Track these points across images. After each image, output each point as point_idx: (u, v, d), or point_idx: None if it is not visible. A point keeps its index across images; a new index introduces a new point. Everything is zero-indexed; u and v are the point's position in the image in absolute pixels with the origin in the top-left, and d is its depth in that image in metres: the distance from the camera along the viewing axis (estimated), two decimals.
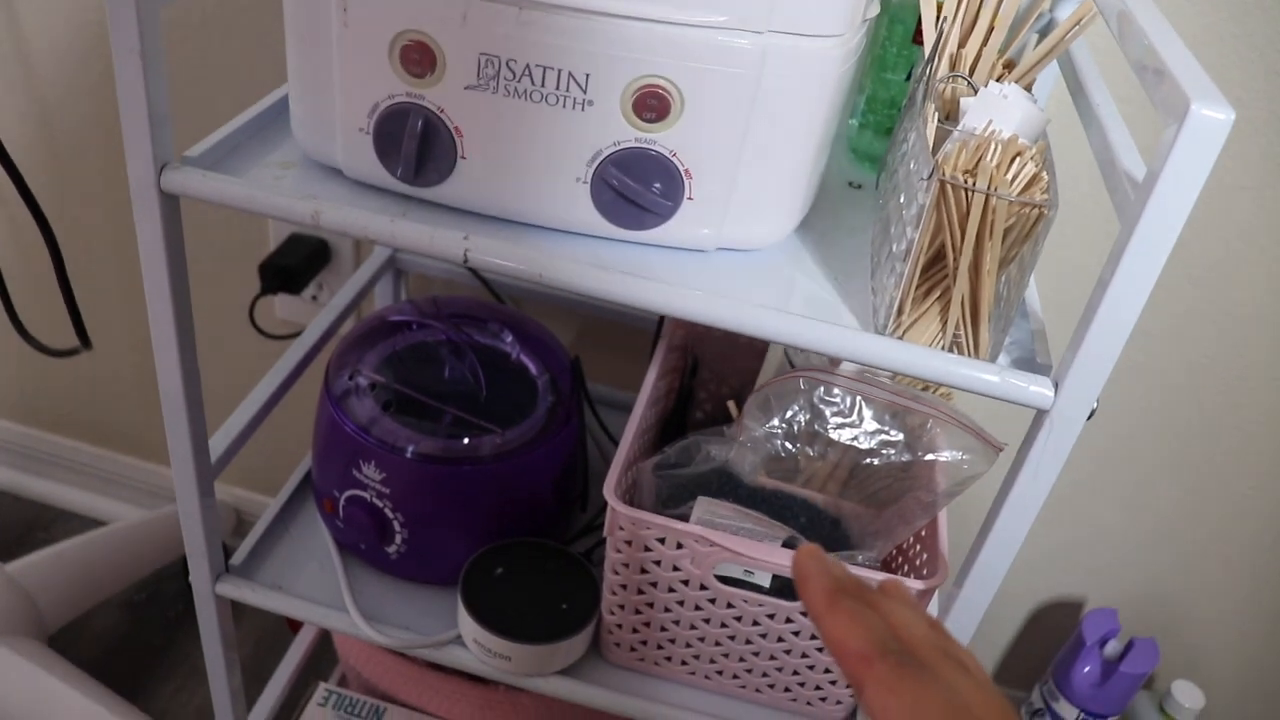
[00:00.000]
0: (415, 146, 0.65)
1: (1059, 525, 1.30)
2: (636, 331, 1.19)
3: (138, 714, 1.27)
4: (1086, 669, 1.28)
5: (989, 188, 0.58)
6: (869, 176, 0.83)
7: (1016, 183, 0.60)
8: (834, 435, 0.79)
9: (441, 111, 0.64)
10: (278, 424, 1.04)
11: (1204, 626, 1.36)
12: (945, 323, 0.63)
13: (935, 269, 0.63)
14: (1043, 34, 0.80)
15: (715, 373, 1.04)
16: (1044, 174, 0.61)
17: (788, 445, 0.78)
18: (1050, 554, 1.34)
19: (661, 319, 0.99)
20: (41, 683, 1.24)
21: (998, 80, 0.70)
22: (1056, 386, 0.62)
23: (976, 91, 0.68)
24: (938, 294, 0.63)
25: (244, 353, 1.37)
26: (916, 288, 0.63)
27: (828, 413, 0.78)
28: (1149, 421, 1.19)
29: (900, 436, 0.80)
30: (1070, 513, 1.29)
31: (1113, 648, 1.28)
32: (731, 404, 0.88)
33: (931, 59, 0.70)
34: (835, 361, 0.85)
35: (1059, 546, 1.33)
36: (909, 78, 0.81)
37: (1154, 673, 1.38)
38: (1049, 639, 1.40)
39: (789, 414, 0.78)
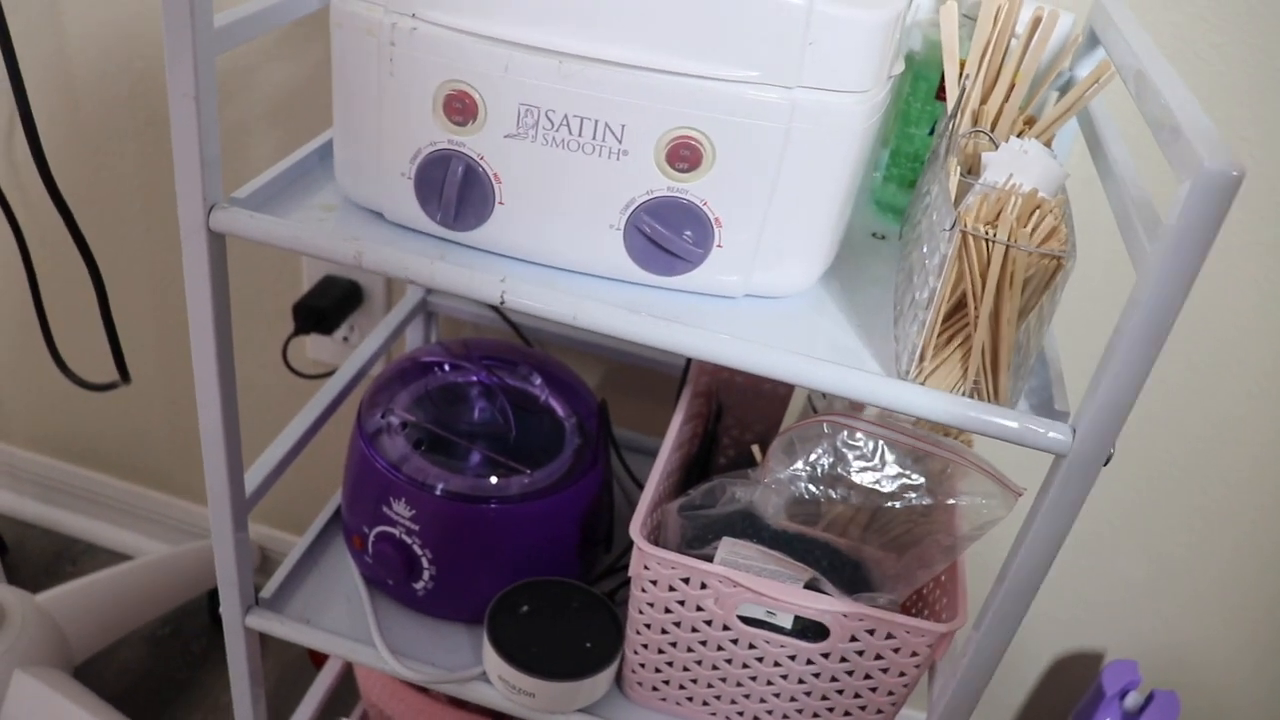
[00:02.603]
0: (455, 192, 0.68)
1: (1079, 576, 1.31)
2: (661, 377, 1.21)
3: None
4: None
5: (1009, 239, 0.60)
6: (892, 228, 0.85)
7: (1036, 234, 0.62)
8: (856, 479, 0.80)
9: (482, 159, 0.67)
10: (305, 464, 1.06)
11: (1226, 678, 1.36)
12: (966, 369, 0.65)
13: (956, 317, 0.65)
14: (1062, 91, 0.82)
15: (739, 419, 1.06)
16: (1063, 226, 0.63)
17: (811, 488, 0.80)
18: (1070, 605, 1.34)
19: (688, 365, 1.01)
20: (67, 713, 1.25)
21: (1018, 135, 0.72)
22: (1074, 432, 0.63)
23: (998, 146, 0.70)
24: (959, 341, 0.65)
25: (276, 390, 1.40)
26: (938, 335, 0.65)
27: (850, 456, 0.80)
28: (1169, 472, 1.20)
29: (921, 480, 0.81)
30: (1090, 563, 1.30)
31: (1133, 700, 1.28)
32: (756, 448, 0.90)
33: (954, 114, 0.72)
34: (858, 407, 0.86)
35: (1079, 598, 1.33)
36: (932, 132, 0.83)
37: None
38: (1068, 691, 1.40)
39: (812, 457, 0.79)
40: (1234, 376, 1.12)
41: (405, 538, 0.91)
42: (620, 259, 0.68)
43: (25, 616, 1.30)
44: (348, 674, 1.37)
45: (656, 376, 1.23)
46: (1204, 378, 1.12)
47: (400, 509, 0.91)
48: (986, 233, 0.60)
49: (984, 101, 0.74)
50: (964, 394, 0.65)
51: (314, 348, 1.38)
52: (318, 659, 1.43)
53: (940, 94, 0.82)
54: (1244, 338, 1.09)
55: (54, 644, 1.32)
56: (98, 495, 1.69)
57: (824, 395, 0.91)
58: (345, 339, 1.34)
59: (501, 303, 0.67)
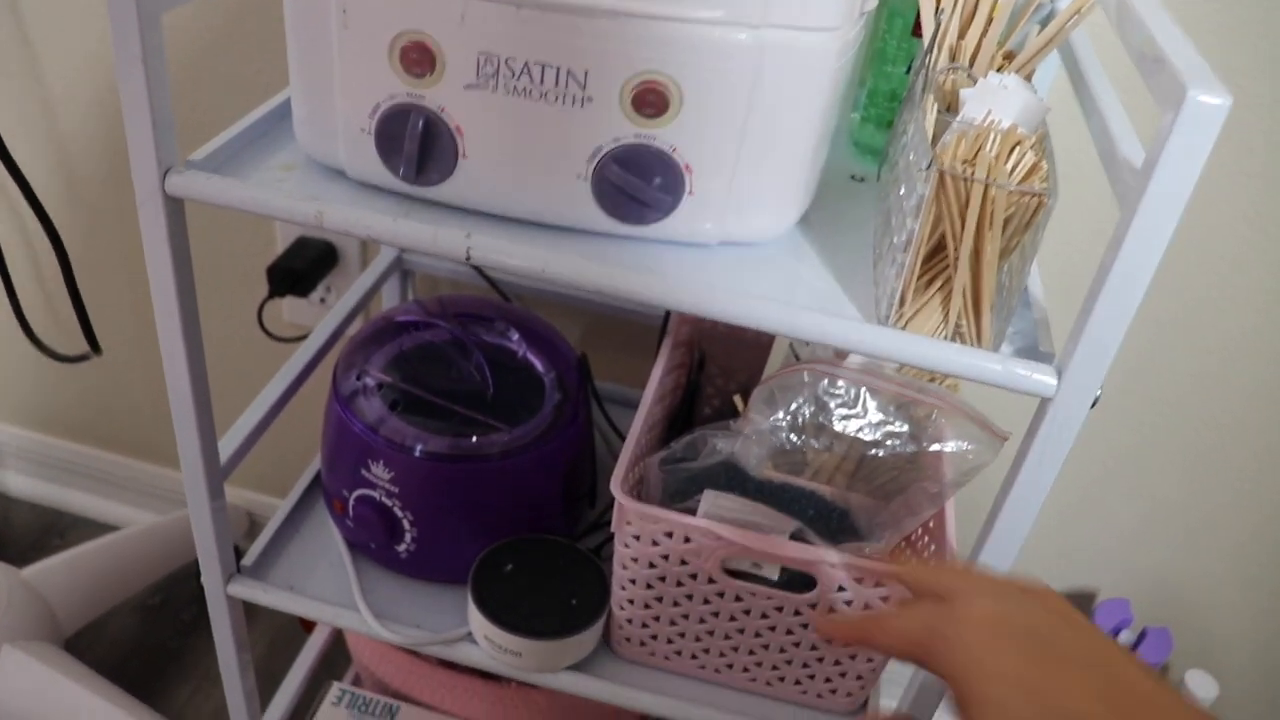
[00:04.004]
0: (417, 146, 0.66)
1: (1069, 517, 1.30)
2: (642, 328, 1.20)
3: (154, 717, 1.28)
4: None
5: (987, 177, 0.59)
6: (871, 169, 0.83)
7: (1016, 172, 0.60)
8: (839, 427, 0.79)
9: (442, 111, 0.65)
10: (287, 426, 1.05)
11: (1217, 615, 1.35)
12: (947, 313, 0.63)
13: (936, 259, 0.63)
14: (1043, 24, 0.80)
15: (722, 368, 1.05)
16: (1043, 163, 0.61)
17: (793, 438, 0.78)
18: (1061, 546, 1.34)
19: (667, 315, 0.99)
20: (58, 686, 1.25)
21: (998, 71, 0.70)
22: (1060, 374, 0.62)
23: (976, 82, 0.68)
24: (939, 284, 0.63)
25: (252, 355, 1.38)
26: (918, 278, 0.63)
27: (833, 405, 0.79)
28: (1159, 411, 1.19)
29: (906, 428, 0.80)
30: (1081, 504, 1.29)
31: (1125, 638, 1.28)
32: (738, 398, 0.88)
33: (930, 50, 0.70)
34: (841, 355, 0.85)
35: (1070, 538, 1.32)
36: (909, 70, 0.81)
37: (1167, 662, 1.38)
38: None
39: (794, 407, 0.78)
40: (1225, 315, 1.10)
41: (385, 500, 0.90)
42: (589, 209, 0.66)
43: (11, 592, 1.29)
44: (339, 637, 1.36)
45: (637, 328, 1.21)
46: (1195, 316, 1.11)
47: (379, 471, 0.89)
48: (965, 171, 0.59)
49: (962, 36, 0.72)
50: (946, 338, 0.64)
51: (290, 310, 1.36)
52: (308, 623, 1.43)
53: (916, 30, 0.79)
54: (1235, 274, 1.07)
55: (42, 618, 1.31)
56: (83, 467, 1.67)
57: (806, 343, 0.89)
58: (322, 300, 1.32)
59: (467, 259, 0.65)
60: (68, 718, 1.25)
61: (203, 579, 0.91)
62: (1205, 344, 1.13)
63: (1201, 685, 1.30)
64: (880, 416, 0.79)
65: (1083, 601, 1.39)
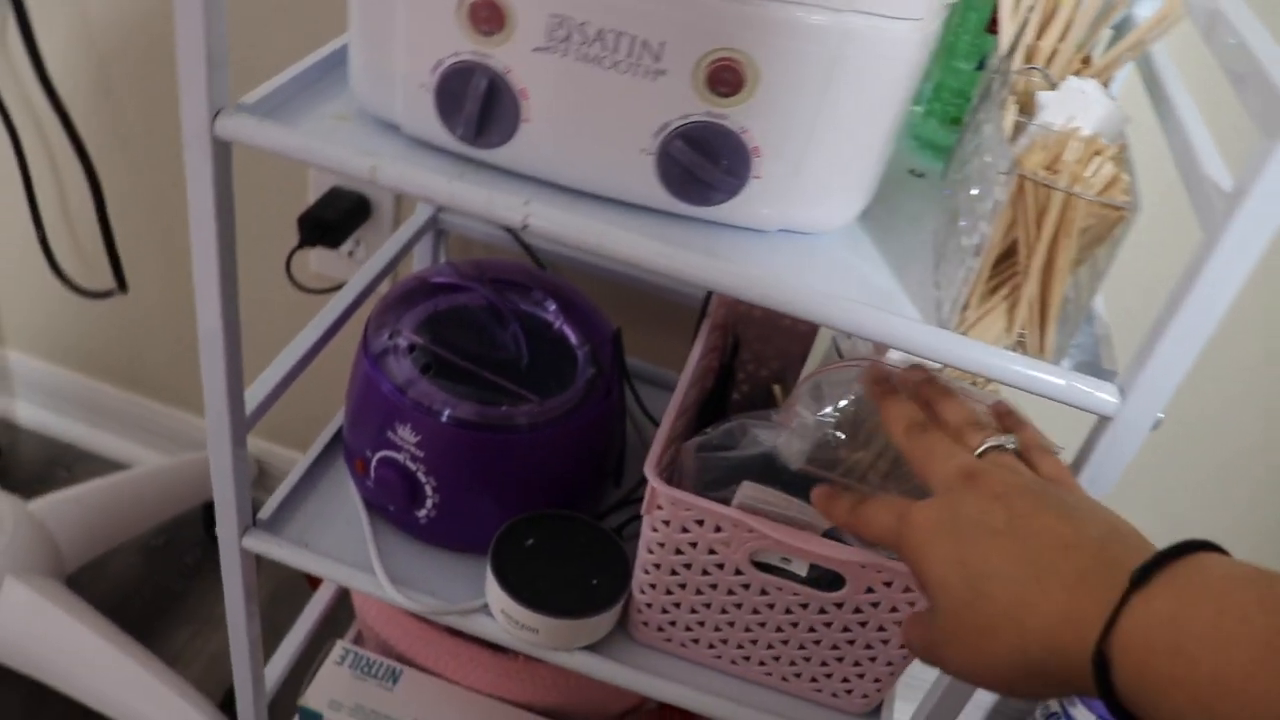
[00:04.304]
0: (478, 107, 0.64)
1: None
2: (677, 307, 1.18)
3: (152, 657, 1.27)
4: None
5: (1070, 185, 0.57)
6: (930, 165, 0.81)
7: (1095, 182, 0.59)
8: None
9: (508, 72, 0.63)
10: (306, 379, 1.03)
11: None
12: (1011, 321, 0.62)
13: (1004, 265, 0.61)
14: (1118, 30, 0.78)
15: (755, 354, 1.03)
16: (1123, 174, 0.59)
17: (838, 434, 0.77)
18: None
19: (708, 297, 0.97)
20: (59, 622, 1.24)
21: (1075, 75, 0.68)
22: (1122, 393, 0.60)
23: (1054, 85, 0.66)
24: (1005, 291, 0.62)
25: (276, 305, 1.36)
26: (984, 283, 0.61)
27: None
28: (1180, 430, 1.17)
29: None
30: None
31: None
32: (777, 388, 0.87)
33: (1011, 50, 0.68)
34: (880, 350, 0.83)
35: None
36: (979, 67, 0.79)
37: None
38: None
39: (841, 403, 0.76)
40: (1247, 334, 1.08)
41: (409, 464, 0.89)
42: (651, 186, 0.64)
43: (17, 523, 1.28)
44: (343, 594, 1.35)
45: (672, 306, 1.19)
46: (1221, 335, 1.09)
47: (405, 434, 0.88)
48: (1046, 178, 0.57)
49: (1039, 37, 0.70)
50: (1008, 347, 0.62)
51: (318, 261, 1.34)
52: (313, 578, 1.42)
53: (992, 26, 0.77)
54: (1265, 292, 1.05)
55: (46, 552, 1.30)
56: (95, 402, 1.66)
57: (848, 337, 0.88)
58: (351, 254, 1.31)
59: (524, 227, 0.64)
60: (67, 654, 1.24)
61: (218, 530, 0.89)
62: (1229, 362, 1.11)
63: None
64: None
65: None
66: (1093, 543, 0.51)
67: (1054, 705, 1.34)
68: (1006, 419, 0.66)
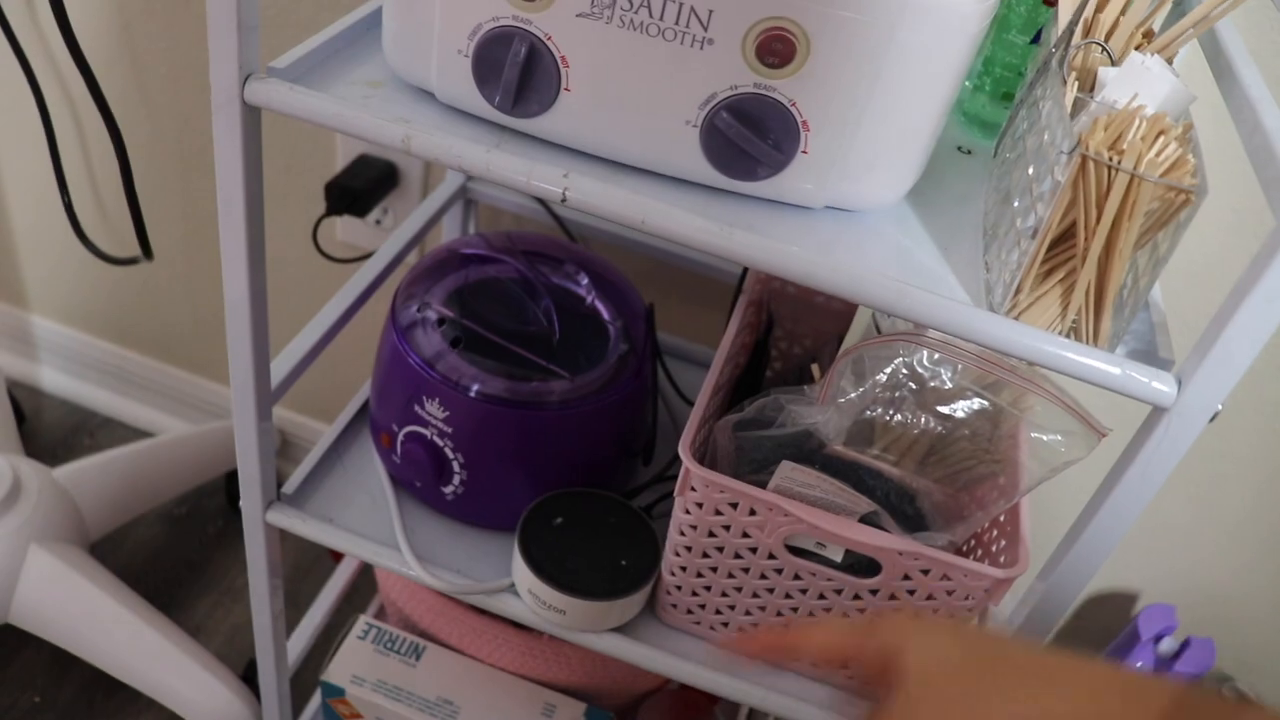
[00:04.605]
0: (517, 75, 0.61)
1: None
2: (711, 281, 1.16)
3: (173, 627, 1.26)
4: (1139, 664, 1.25)
5: (1135, 166, 0.54)
6: (979, 142, 0.79)
7: (1160, 163, 0.56)
8: (930, 405, 0.75)
9: (549, 39, 0.60)
10: (331, 349, 1.02)
11: (1263, 631, 1.32)
12: (1066, 306, 0.59)
13: (1059, 249, 0.59)
14: (1180, 3, 0.75)
15: (788, 331, 1.01)
16: (1189, 156, 0.57)
17: (879, 411, 0.75)
18: None
19: (744, 274, 0.95)
20: (82, 590, 1.23)
21: (1137, 50, 0.65)
22: (1180, 384, 0.58)
23: (1115, 61, 0.64)
24: (1060, 275, 0.59)
25: (303, 272, 1.35)
26: (1039, 267, 0.59)
27: (926, 379, 0.75)
28: (1230, 422, 1.14)
29: (997, 412, 0.76)
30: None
31: (1168, 645, 1.25)
32: (815, 366, 0.84)
33: (1073, 23, 0.65)
34: (919, 329, 0.81)
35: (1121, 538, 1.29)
36: (1035, 41, 0.76)
37: (1205, 674, 1.35)
38: (1098, 629, 1.37)
39: (883, 378, 0.74)
40: None
41: (436, 439, 0.87)
42: (695, 159, 0.62)
43: (42, 491, 1.27)
44: (366, 568, 1.34)
45: (705, 281, 1.17)
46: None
47: (433, 409, 0.86)
48: (1110, 159, 0.54)
49: (1099, 10, 0.67)
50: (1061, 333, 0.60)
51: (345, 230, 1.32)
52: (336, 553, 1.41)
53: None
54: None
55: (70, 520, 1.29)
56: (118, 369, 1.65)
57: (888, 315, 0.85)
58: (378, 222, 1.29)
59: (563, 200, 0.61)
60: (89, 622, 1.23)
61: (242, 504, 0.88)
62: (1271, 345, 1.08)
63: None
64: (972, 395, 0.76)
65: (1124, 603, 1.36)
66: (1125, 683, 0.47)
67: None
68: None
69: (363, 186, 1.20)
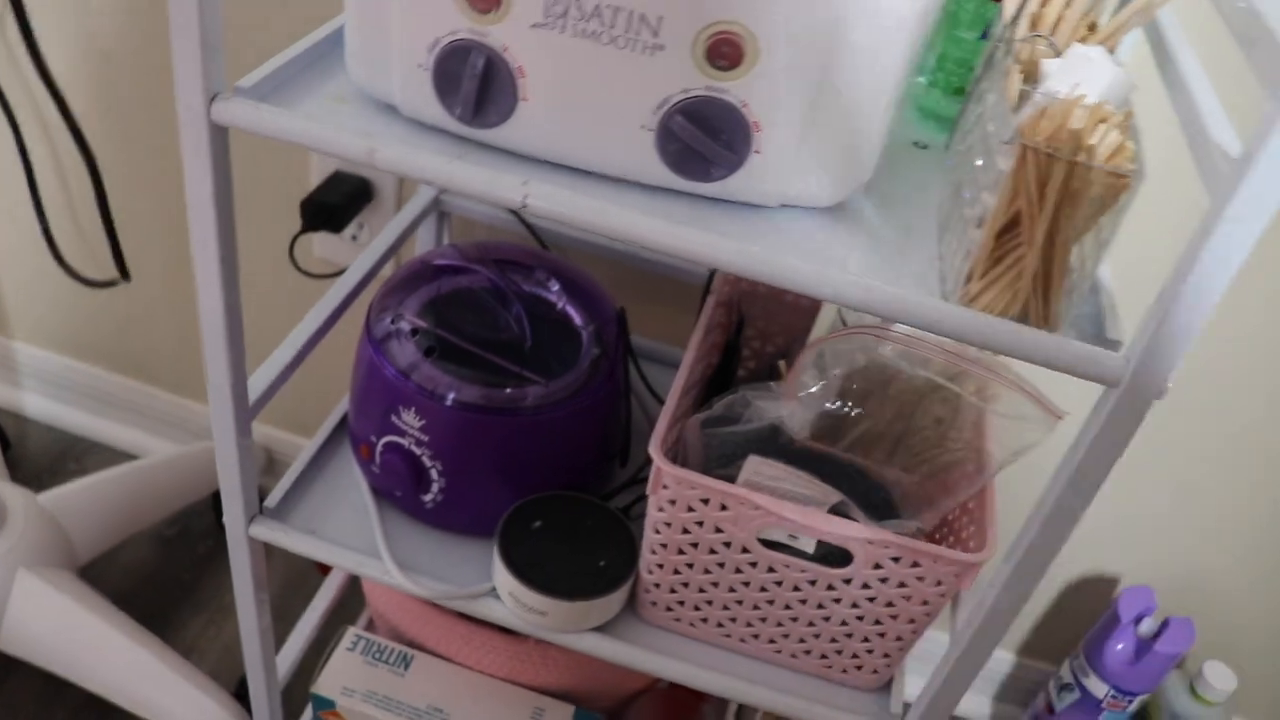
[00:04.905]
0: (476, 86, 0.63)
1: (1099, 500, 1.28)
2: (681, 284, 1.17)
3: (166, 648, 1.27)
4: (1120, 646, 1.27)
5: (1074, 154, 0.56)
6: (935, 136, 0.81)
7: (1101, 151, 0.58)
8: (890, 396, 0.77)
9: (505, 50, 0.62)
10: (312, 364, 1.03)
11: (1241, 608, 1.34)
12: (1015, 292, 0.61)
13: (1008, 236, 0.60)
14: None
15: (760, 330, 1.02)
16: (1129, 143, 0.59)
17: (841, 404, 0.76)
18: (1089, 529, 1.31)
19: (712, 273, 0.97)
20: (72, 613, 1.24)
21: (1080, 42, 0.67)
22: (1129, 363, 0.60)
23: (1059, 53, 0.66)
24: (1009, 262, 0.61)
25: (281, 289, 1.36)
26: (988, 255, 0.61)
27: (886, 371, 0.76)
28: (1200, 402, 1.16)
29: (957, 400, 0.78)
30: (1111, 488, 1.26)
31: (1148, 626, 1.27)
32: (782, 363, 0.86)
33: (1015, 18, 0.67)
34: (887, 322, 0.83)
35: (1099, 522, 1.30)
36: (983, 37, 0.78)
37: (1188, 653, 1.37)
38: (1081, 613, 1.39)
39: (844, 371, 0.76)
40: (1263, 304, 1.07)
41: (414, 448, 0.88)
42: (651, 162, 0.64)
43: (28, 516, 1.28)
44: (354, 580, 1.35)
45: (675, 283, 1.18)
46: (1230, 304, 1.08)
47: (409, 418, 0.87)
48: (1050, 147, 0.56)
49: (1044, 4, 0.69)
50: (1012, 318, 0.61)
51: (322, 246, 1.34)
52: (323, 566, 1.42)
53: None
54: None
55: (58, 544, 1.30)
56: (103, 392, 1.66)
57: (855, 309, 0.87)
58: (354, 238, 1.30)
59: (523, 206, 0.63)
60: (80, 646, 1.24)
61: (225, 519, 0.89)
62: (1259, 340, 1.10)
63: (1220, 677, 1.29)
64: (932, 387, 0.77)
65: (1105, 586, 1.37)
66: None
67: (1066, 675, 1.34)
68: None
69: (338, 202, 1.22)
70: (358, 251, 1.26)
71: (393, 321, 0.91)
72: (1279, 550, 1.27)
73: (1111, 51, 0.68)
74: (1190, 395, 1.16)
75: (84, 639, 1.24)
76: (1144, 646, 1.25)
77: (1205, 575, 1.33)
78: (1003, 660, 1.48)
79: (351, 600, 1.36)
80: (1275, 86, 0.50)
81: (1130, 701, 1.29)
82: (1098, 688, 1.29)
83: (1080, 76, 0.62)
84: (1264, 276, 1.05)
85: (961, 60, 0.79)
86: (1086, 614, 1.37)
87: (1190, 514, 1.27)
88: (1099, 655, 1.29)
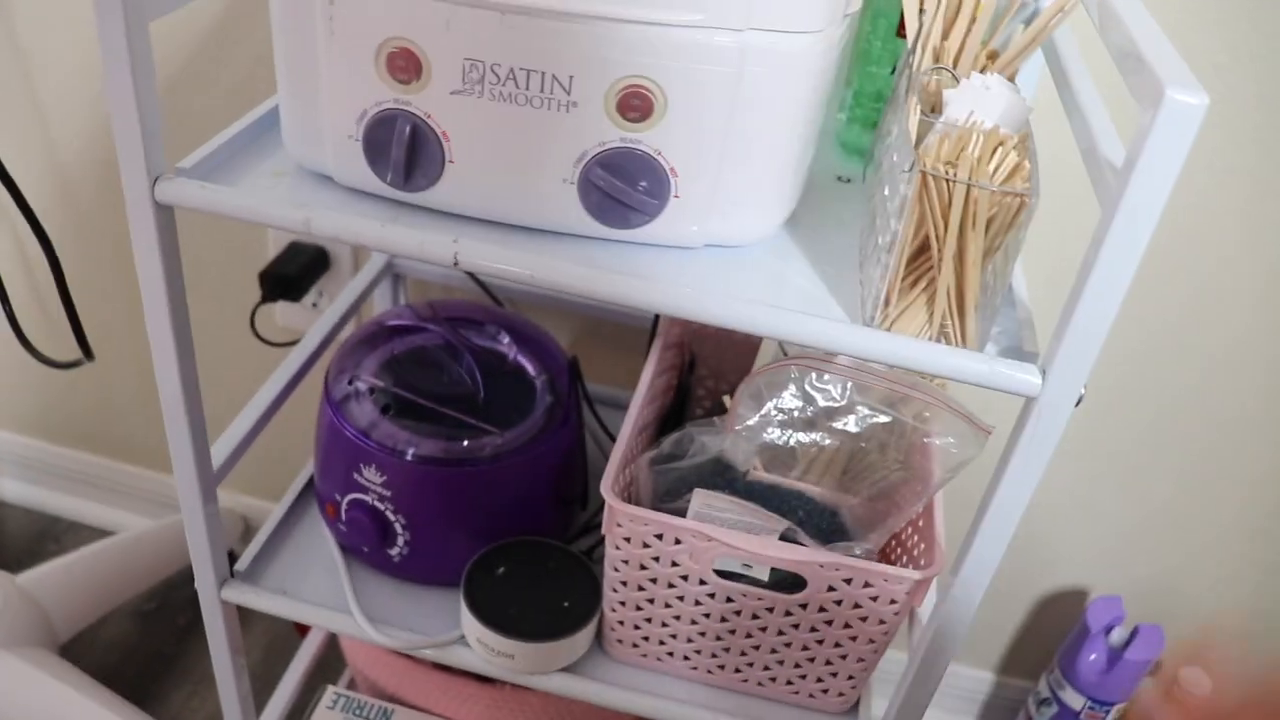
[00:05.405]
0: (404, 153, 0.66)
1: (1062, 515, 1.30)
2: (633, 330, 1.20)
3: None
4: (1092, 657, 1.29)
5: (970, 178, 0.59)
6: (857, 170, 0.84)
7: (999, 173, 0.61)
8: (826, 423, 0.79)
9: (429, 117, 0.65)
10: (280, 430, 1.05)
11: (1209, 612, 1.36)
12: (932, 313, 0.64)
13: (921, 260, 0.63)
14: (1027, 24, 0.80)
15: (713, 369, 1.05)
16: (1026, 163, 0.62)
17: (781, 434, 0.79)
18: (1054, 543, 1.34)
19: (657, 317, 0.99)
20: (55, 692, 1.25)
21: (981, 71, 0.70)
22: (1044, 374, 0.62)
23: (959, 83, 0.69)
24: (924, 285, 0.64)
25: (247, 361, 1.38)
26: (903, 279, 0.63)
27: (820, 400, 0.79)
28: (1151, 409, 1.19)
29: (893, 423, 0.80)
30: (1073, 502, 1.29)
31: (1118, 635, 1.28)
32: (727, 398, 0.88)
33: (914, 51, 0.70)
34: (831, 352, 0.85)
35: (1063, 536, 1.33)
36: (894, 71, 0.81)
37: (1160, 660, 1.38)
38: (1055, 629, 1.41)
39: (781, 403, 0.78)
40: (1217, 314, 1.11)
41: (378, 504, 0.90)
42: (576, 214, 0.67)
43: (6, 598, 1.29)
44: (333, 641, 1.37)
45: (627, 330, 1.21)
46: (1186, 315, 1.11)
47: (371, 475, 0.90)
48: (947, 172, 0.59)
49: (945, 37, 0.72)
50: (931, 338, 0.64)
51: (284, 315, 1.36)
52: (302, 627, 1.43)
53: (901, 30, 0.79)
54: (1226, 274, 1.07)
55: (37, 624, 1.31)
56: (77, 473, 1.67)
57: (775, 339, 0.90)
58: (314, 304, 1.33)
59: (455, 264, 0.66)
60: None
61: (196, 584, 0.91)
62: (1197, 343, 1.13)
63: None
64: (867, 411, 0.80)
65: (1075, 600, 1.39)
66: None
67: (1044, 691, 1.36)
68: None
69: (295, 272, 1.24)
70: (319, 317, 1.28)
71: (350, 382, 0.93)
72: (1244, 553, 1.29)
73: (1012, 79, 0.71)
74: (1150, 406, 1.18)
75: (67, 717, 1.25)
76: (1115, 656, 1.27)
77: (1171, 582, 1.35)
78: (982, 680, 1.50)
79: (332, 660, 1.37)
80: (1143, 95, 0.53)
81: (1108, 712, 1.31)
82: (1074, 700, 1.31)
83: (978, 104, 0.65)
84: (1219, 288, 1.08)
85: (876, 94, 0.83)
86: (1060, 628, 1.39)
87: (1154, 523, 1.29)
88: (1073, 667, 1.30)
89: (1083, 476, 1.26)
